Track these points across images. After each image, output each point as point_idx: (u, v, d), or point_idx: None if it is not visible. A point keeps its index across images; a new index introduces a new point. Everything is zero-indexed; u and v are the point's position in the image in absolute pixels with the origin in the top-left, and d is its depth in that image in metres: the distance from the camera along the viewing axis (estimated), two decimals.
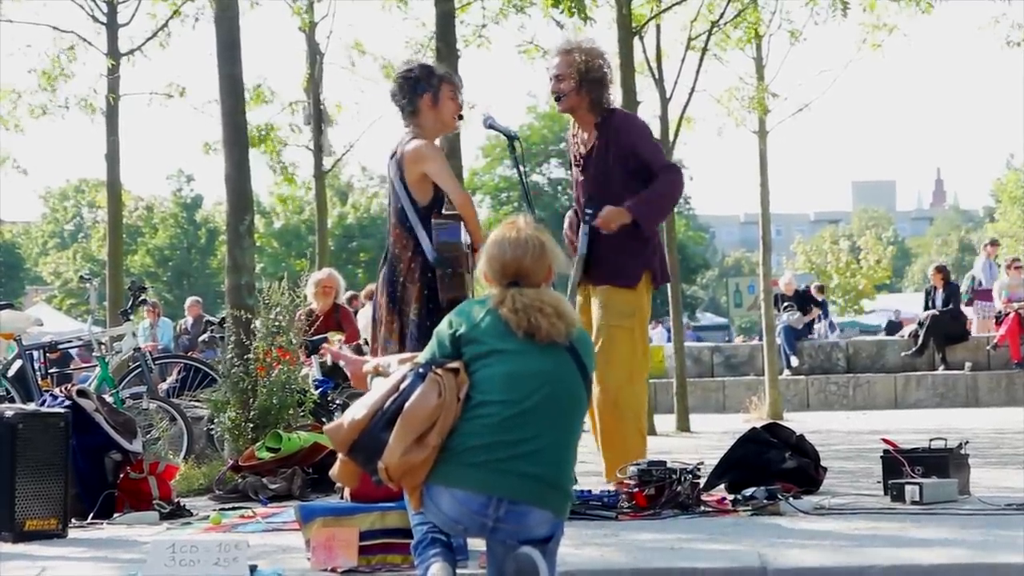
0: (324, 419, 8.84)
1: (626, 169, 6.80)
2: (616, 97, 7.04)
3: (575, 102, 6.87)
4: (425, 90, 6.43)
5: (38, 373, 9.73)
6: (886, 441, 6.73)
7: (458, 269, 6.25)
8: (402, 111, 6.49)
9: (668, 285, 7.55)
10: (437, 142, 6.59)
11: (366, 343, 9.74)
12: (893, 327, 26.50)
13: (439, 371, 4.15)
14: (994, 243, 22.63)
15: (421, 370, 4.18)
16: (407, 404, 4.10)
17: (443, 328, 4.31)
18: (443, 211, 6.34)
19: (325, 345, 6.52)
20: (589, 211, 6.81)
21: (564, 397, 4.20)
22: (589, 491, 6.17)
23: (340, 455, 4.27)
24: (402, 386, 4.17)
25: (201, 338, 16.76)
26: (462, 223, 6.28)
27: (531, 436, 4.10)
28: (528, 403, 4.12)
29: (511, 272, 4.31)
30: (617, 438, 6.71)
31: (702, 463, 6.20)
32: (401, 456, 4.05)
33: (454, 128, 6.72)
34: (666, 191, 6.86)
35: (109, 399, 7.82)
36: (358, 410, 4.20)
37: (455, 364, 4.19)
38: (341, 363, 6.32)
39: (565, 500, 4.21)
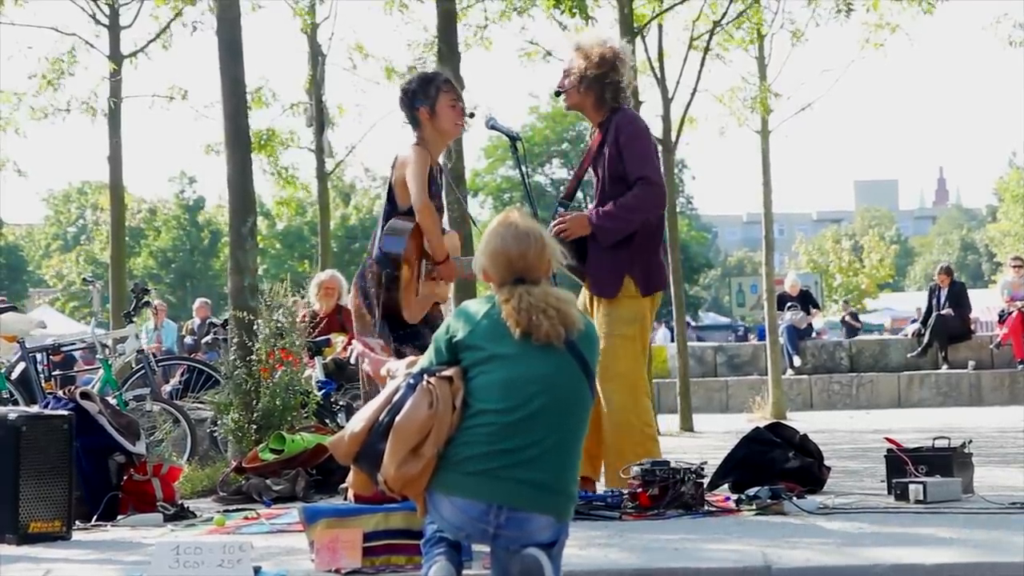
0: (327, 420, 8.87)
1: (615, 172, 6.61)
2: (629, 96, 6.89)
3: (577, 100, 6.77)
4: (423, 103, 6.48)
5: (41, 375, 9.73)
6: (890, 440, 6.72)
7: (395, 272, 6.29)
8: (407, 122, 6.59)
9: (671, 285, 7.45)
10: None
11: None
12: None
13: (432, 380, 4.10)
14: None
15: (412, 380, 4.14)
16: (397, 418, 4.07)
17: (440, 333, 4.25)
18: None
19: (357, 340, 6.57)
20: (561, 208, 6.74)
21: (565, 399, 4.14)
22: (592, 492, 6.15)
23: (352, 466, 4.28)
24: (395, 398, 4.14)
25: (204, 340, 16.76)
26: (407, 236, 6.29)
27: (531, 443, 4.05)
28: (527, 410, 4.06)
29: (518, 268, 4.23)
30: (628, 450, 6.57)
31: (706, 463, 6.18)
32: (396, 470, 4.04)
33: (457, 133, 6.73)
34: (633, 205, 6.50)
35: (112, 401, 7.82)
36: (356, 423, 4.19)
37: (449, 372, 4.13)
38: (365, 361, 6.37)
39: (568, 504, 4.16)
